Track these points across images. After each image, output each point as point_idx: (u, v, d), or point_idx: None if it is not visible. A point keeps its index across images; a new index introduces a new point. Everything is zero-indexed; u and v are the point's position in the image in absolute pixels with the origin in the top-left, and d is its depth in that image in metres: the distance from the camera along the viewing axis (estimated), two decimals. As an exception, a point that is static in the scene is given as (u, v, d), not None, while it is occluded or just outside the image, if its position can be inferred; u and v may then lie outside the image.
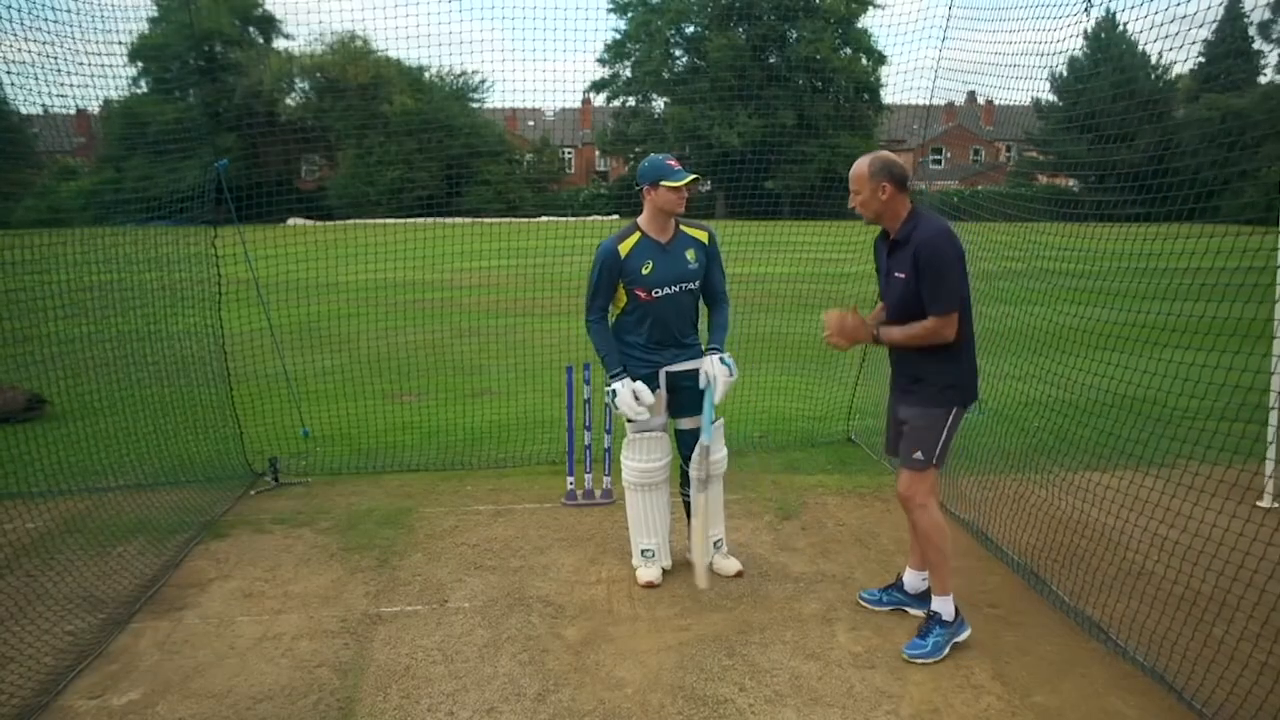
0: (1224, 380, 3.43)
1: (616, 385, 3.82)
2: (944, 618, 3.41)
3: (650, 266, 3.82)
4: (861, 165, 3.37)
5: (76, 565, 4.02)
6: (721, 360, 3.88)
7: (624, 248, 3.82)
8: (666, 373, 3.94)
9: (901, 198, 3.36)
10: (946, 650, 3.37)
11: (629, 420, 3.97)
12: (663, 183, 3.74)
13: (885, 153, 3.39)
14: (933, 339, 3.30)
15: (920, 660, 3.32)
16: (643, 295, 3.84)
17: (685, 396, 3.98)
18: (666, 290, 3.84)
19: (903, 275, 3.34)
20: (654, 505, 4.04)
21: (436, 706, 3.05)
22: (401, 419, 6.80)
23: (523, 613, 3.75)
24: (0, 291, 3.99)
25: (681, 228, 3.93)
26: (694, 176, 3.75)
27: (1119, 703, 3.03)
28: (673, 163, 3.79)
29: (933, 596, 3.47)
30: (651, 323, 3.88)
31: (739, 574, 4.10)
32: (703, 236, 3.95)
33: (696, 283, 3.91)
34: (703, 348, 3.98)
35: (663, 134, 41.04)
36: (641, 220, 3.89)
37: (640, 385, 3.83)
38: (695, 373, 3.93)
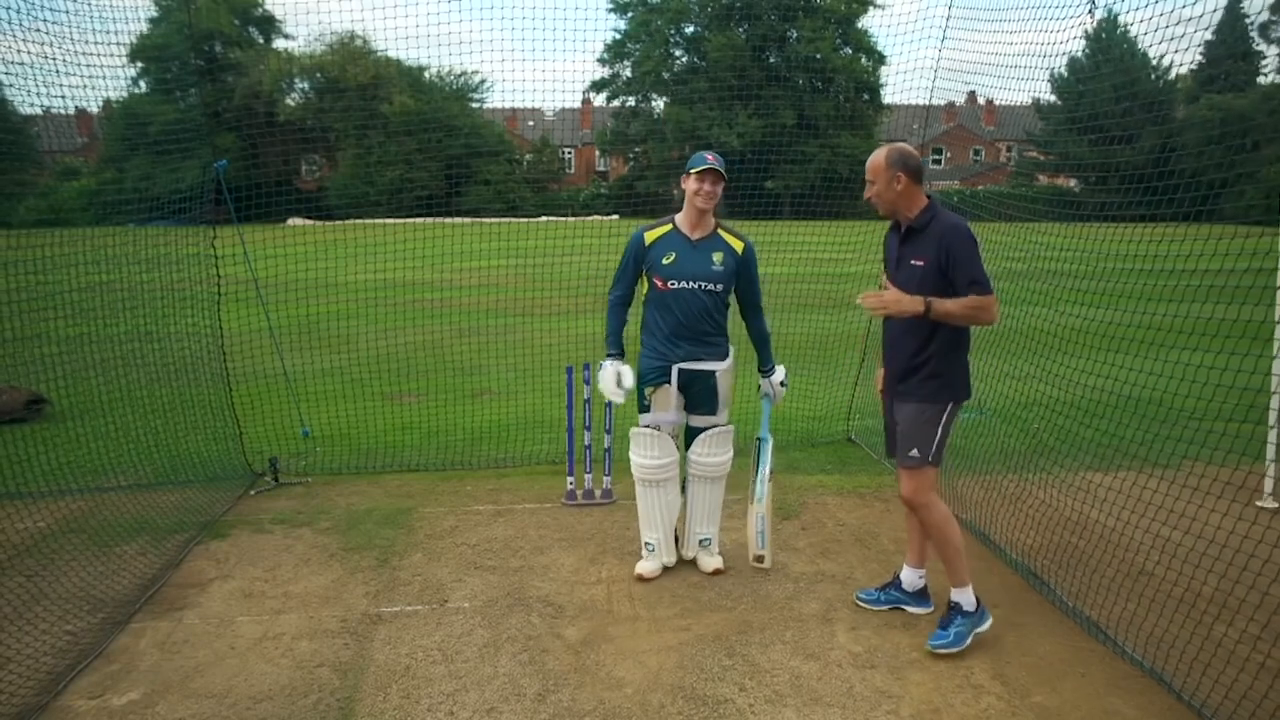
0: (1224, 380, 3.42)
1: (605, 363, 3.97)
2: (965, 608, 3.43)
3: (672, 258, 3.89)
4: (878, 156, 3.39)
5: (76, 565, 4.01)
6: (783, 382, 4.17)
7: (651, 235, 3.94)
8: (680, 369, 3.94)
9: (917, 190, 3.38)
10: (969, 640, 3.37)
11: (634, 409, 4.03)
12: (691, 170, 3.85)
13: (902, 144, 3.43)
14: (982, 314, 3.24)
15: (944, 650, 3.33)
16: (660, 285, 3.91)
17: (698, 394, 3.99)
18: (683, 285, 3.88)
19: (920, 262, 3.32)
20: (658, 501, 4.05)
21: (436, 706, 3.05)
22: (401, 419, 6.80)
23: (523, 613, 3.75)
24: (0, 291, 3.99)
25: (719, 231, 3.97)
26: (709, 167, 3.80)
27: (1119, 703, 3.03)
28: (710, 157, 3.85)
29: (952, 589, 3.47)
30: (667, 314, 3.92)
31: (716, 571, 4.11)
32: (737, 245, 3.96)
33: (718, 285, 3.91)
34: (729, 350, 4.01)
35: (662, 134, 41.02)
36: (679, 215, 3.98)
37: (625, 369, 3.96)
38: (709, 372, 3.96)
